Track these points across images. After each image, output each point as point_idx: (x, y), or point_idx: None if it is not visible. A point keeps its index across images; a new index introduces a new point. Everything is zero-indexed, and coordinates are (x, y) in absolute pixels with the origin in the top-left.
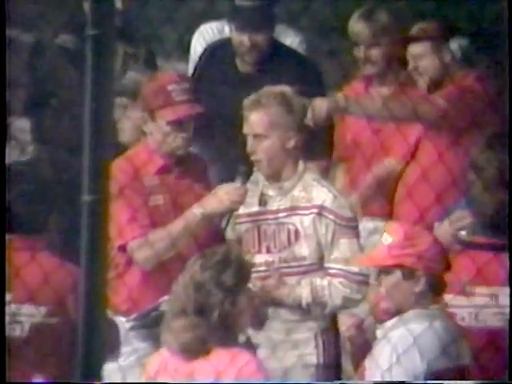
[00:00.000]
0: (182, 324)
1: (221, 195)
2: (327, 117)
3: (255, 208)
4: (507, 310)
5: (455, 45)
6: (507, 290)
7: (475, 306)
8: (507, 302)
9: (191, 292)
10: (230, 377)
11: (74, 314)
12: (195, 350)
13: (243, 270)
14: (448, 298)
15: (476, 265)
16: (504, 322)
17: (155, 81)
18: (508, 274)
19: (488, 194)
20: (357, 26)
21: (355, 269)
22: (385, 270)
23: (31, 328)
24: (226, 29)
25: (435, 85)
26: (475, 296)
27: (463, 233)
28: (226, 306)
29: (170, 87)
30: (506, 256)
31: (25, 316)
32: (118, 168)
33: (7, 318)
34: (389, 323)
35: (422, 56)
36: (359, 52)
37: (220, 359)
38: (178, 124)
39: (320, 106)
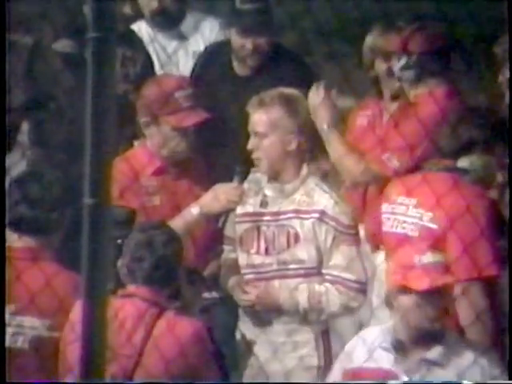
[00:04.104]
0: None
1: (218, 194)
2: None
3: (256, 208)
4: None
5: (401, 62)
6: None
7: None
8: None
9: None
10: None
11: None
12: None
13: None
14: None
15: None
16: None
17: (159, 85)
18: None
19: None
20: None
21: (353, 276)
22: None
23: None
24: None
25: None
26: (396, 204)
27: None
28: None
29: (177, 94)
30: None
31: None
32: (116, 169)
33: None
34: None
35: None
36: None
37: None
38: (183, 130)
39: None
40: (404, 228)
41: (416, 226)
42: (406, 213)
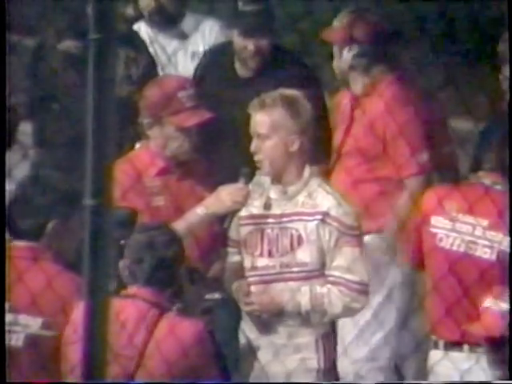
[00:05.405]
0: None
1: (223, 196)
2: None
3: (259, 211)
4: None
5: (351, 52)
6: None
7: (458, 231)
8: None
9: None
10: None
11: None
12: None
13: None
14: (434, 219)
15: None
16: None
17: (162, 86)
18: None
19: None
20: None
21: (356, 278)
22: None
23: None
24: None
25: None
26: (459, 222)
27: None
28: None
29: (180, 94)
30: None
31: (21, 326)
32: (120, 170)
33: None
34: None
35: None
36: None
37: None
38: (187, 130)
39: None
40: (471, 248)
41: (492, 250)
42: (472, 232)
